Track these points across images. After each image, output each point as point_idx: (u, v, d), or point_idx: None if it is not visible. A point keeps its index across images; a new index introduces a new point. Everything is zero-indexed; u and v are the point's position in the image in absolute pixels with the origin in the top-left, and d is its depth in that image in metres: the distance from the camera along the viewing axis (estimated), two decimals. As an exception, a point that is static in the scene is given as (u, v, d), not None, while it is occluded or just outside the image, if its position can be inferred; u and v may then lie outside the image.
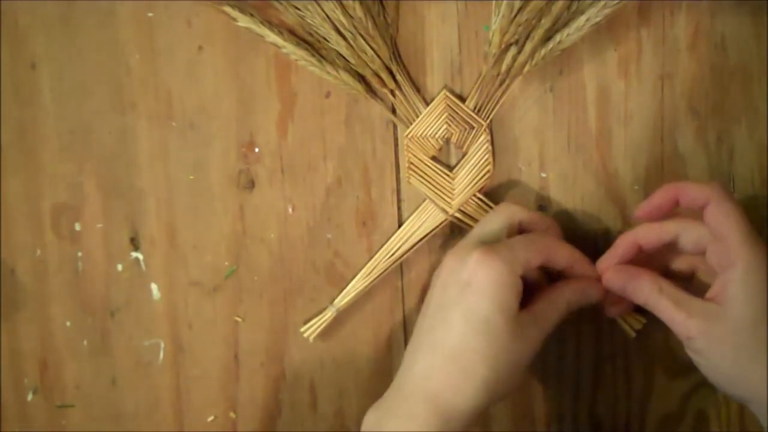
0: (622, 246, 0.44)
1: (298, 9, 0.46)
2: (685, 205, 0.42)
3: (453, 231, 0.49)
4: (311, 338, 0.50)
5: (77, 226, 0.51)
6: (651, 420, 0.50)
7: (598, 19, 0.44)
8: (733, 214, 0.39)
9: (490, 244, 0.42)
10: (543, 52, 0.45)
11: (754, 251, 0.39)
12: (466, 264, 0.41)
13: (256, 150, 0.50)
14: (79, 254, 0.51)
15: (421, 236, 0.48)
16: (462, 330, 0.40)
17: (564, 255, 0.44)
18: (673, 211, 0.43)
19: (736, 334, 0.39)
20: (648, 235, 0.43)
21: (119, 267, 0.51)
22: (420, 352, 0.42)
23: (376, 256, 0.49)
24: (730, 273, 0.39)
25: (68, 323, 0.52)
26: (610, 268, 0.44)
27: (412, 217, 0.49)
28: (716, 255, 0.40)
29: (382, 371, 0.51)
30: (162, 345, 0.52)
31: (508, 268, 0.40)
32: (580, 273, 0.45)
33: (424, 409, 0.40)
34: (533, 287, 0.44)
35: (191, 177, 0.50)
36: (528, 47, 0.45)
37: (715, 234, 0.40)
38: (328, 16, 0.45)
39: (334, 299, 0.50)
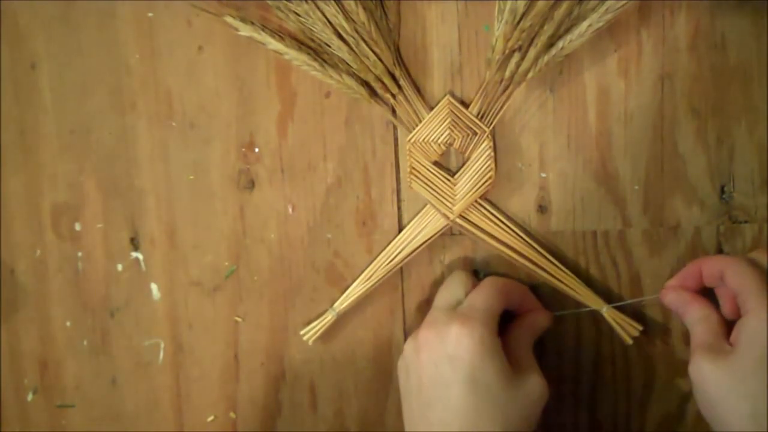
0: (687, 270, 0.46)
1: (300, 15, 0.46)
2: (708, 277, 0.45)
3: (454, 234, 0.49)
4: (311, 341, 0.50)
5: (77, 226, 0.51)
6: (651, 420, 0.50)
7: (600, 24, 0.44)
8: (747, 272, 0.42)
9: (461, 311, 0.44)
10: (546, 58, 0.45)
11: (765, 301, 0.41)
12: (448, 337, 0.42)
13: (256, 150, 0.50)
14: (79, 254, 0.51)
15: (422, 241, 0.48)
16: (469, 402, 0.41)
17: (517, 293, 0.47)
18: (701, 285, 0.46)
19: (734, 372, 0.41)
20: (707, 265, 0.45)
21: (119, 267, 0.51)
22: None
23: (377, 260, 0.49)
24: (744, 319, 0.41)
25: (68, 323, 0.52)
26: (672, 287, 0.46)
27: (412, 222, 0.49)
28: (741, 305, 0.43)
29: (382, 372, 0.51)
30: (162, 345, 0.52)
31: (487, 329, 0.43)
32: (528, 307, 0.48)
33: None
34: None
35: (191, 177, 0.50)
36: (531, 53, 0.45)
37: (735, 292, 0.43)
38: (329, 22, 0.45)
39: (334, 302, 0.50)
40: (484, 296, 0.45)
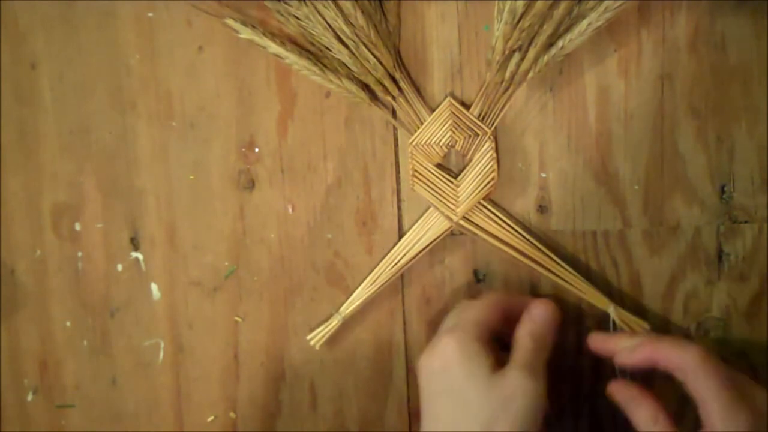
0: (641, 353, 0.44)
1: (299, 19, 0.46)
2: (664, 366, 0.43)
3: (454, 235, 0.49)
4: (317, 346, 0.50)
5: (77, 226, 0.51)
6: (651, 420, 0.50)
7: (599, 23, 0.44)
8: (712, 381, 0.41)
9: (448, 327, 0.45)
10: (546, 58, 0.45)
11: (730, 421, 0.40)
12: (436, 351, 0.43)
13: (256, 150, 0.50)
14: (79, 254, 0.51)
15: (426, 244, 0.48)
16: (452, 414, 0.42)
17: (515, 301, 0.46)
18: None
19: None
20: (664, 353, 0.43)
21: (119, 267, 0.51)
22: None
23: (381, 264, 0.49)
24: None
25: (68, 323, 0.52)
26: (622, 382, 0.45)
27: (416, 225, 0.49)
28: (699, 410, 0.42)
29: (382, 372, 0.51)
30: (162, 345, 0.52)
31: (469, 337, 0.43)
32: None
33: None
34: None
35: (191, 177, 0.50)
36: (531, 53, 0.45)
37: (695, 397, 0.42)
38: (329, 26, 0.45)
39: (334, 302, 0.50)
40: (473, 309, 0.45)
